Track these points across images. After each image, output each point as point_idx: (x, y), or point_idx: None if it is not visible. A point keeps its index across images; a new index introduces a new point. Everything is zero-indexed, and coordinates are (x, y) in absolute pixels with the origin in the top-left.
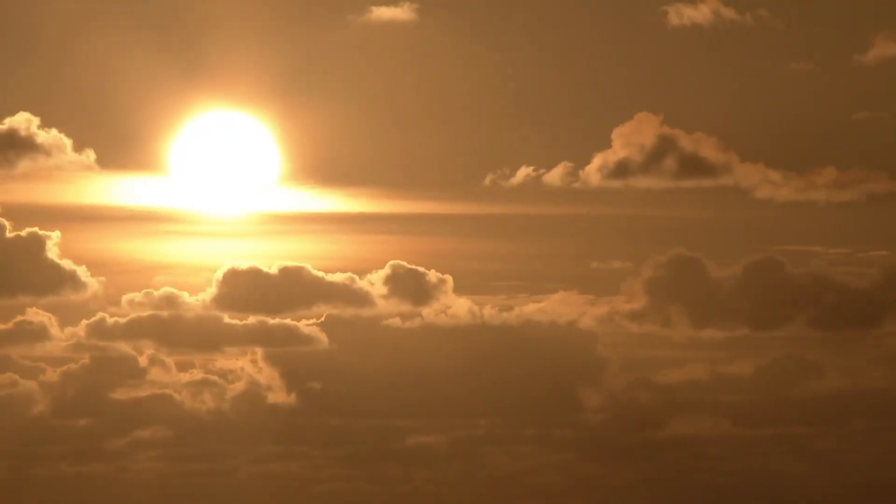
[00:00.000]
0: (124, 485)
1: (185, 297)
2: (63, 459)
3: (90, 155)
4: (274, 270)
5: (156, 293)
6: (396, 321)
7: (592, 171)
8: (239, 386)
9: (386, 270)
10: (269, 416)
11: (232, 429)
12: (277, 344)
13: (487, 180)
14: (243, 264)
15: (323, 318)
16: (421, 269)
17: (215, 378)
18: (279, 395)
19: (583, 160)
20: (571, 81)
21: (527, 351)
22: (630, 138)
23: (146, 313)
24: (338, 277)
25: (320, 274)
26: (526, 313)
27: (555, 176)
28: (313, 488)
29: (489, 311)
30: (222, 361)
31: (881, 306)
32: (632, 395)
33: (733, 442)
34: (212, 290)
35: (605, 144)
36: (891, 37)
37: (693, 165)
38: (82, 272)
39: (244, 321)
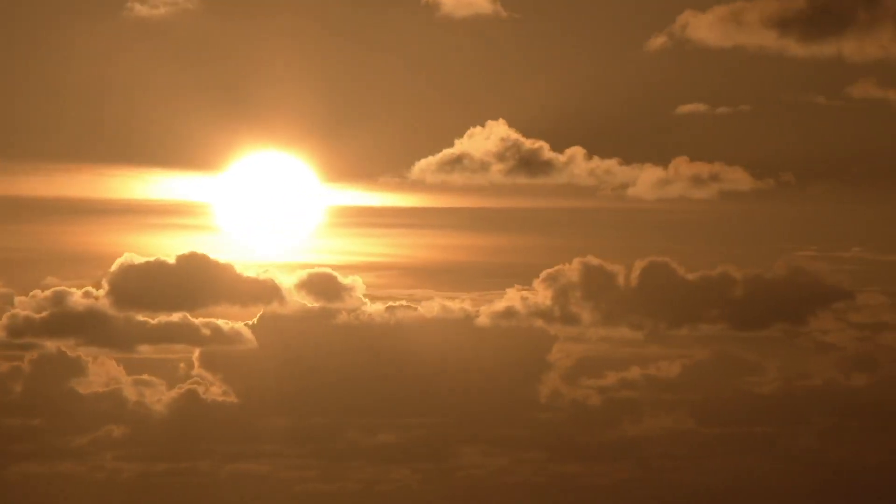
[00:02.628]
0: (97, 485)
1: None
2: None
3: None
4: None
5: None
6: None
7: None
8: (182, 384)
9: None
10: (218, 415)
11: (190, 427)
12: (203, 342)
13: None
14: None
15: (256, 319)
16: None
17: (151, 378)
18: (222, 394)
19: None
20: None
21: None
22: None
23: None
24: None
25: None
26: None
27: None
28: (293, 488)
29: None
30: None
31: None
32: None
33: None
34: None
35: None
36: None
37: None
38: None
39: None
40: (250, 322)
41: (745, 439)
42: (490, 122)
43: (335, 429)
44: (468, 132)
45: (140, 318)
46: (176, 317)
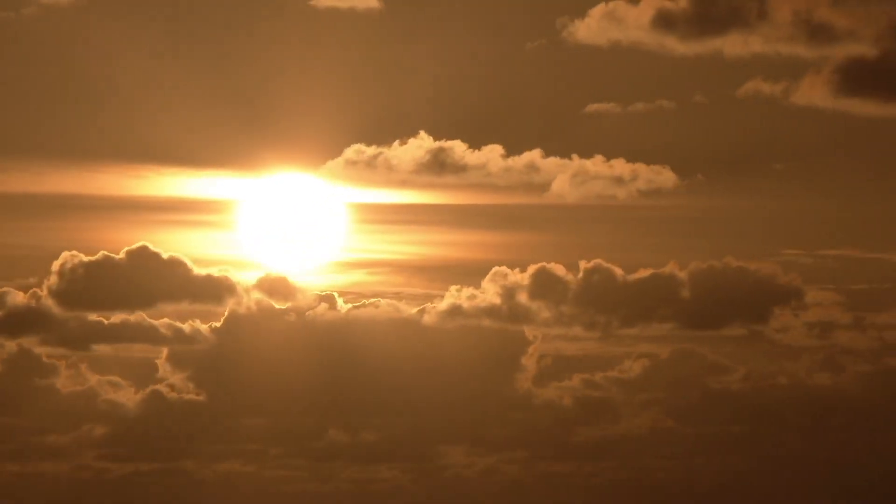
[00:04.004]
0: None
1: None
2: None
3: None
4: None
5: None
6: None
7: None
8: (152, 385)
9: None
10: (192, 414)
11: (169, 426)
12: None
13: None
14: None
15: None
16: None
17: (118, 379)
18: (192, 393)
19: None
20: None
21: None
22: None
23: None
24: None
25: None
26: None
27: None
28: (286, 488)
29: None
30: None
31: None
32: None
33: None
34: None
35: None
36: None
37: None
38: None
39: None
40: (215, 324)
41: (724, 439)
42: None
43: (315, 428)
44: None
45: (94, 317)
46: (135, 316)
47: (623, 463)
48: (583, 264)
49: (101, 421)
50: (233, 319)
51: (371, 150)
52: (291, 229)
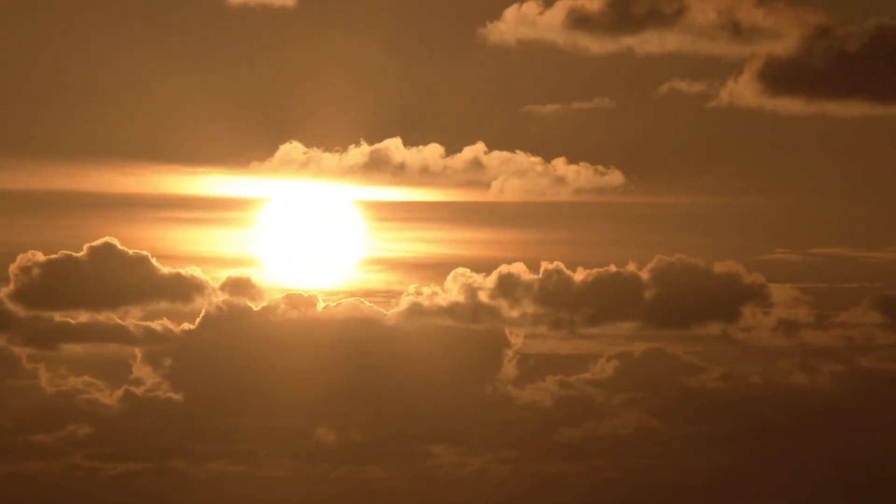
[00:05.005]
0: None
1: None
2: None
3: None
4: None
5: None
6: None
7: None
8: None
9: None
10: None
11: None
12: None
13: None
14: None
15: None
16: None
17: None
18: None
19: None
20: None
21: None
22: None
23: None
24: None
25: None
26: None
27: None
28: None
29: None
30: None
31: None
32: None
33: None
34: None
35: None
36: None
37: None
38: None
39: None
40: (189, 326)
41: (713, 438)
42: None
43: (303, 428)
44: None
45: (59, 317)
46: (102, 315)
47: (616, 463)
48: (544, 264)
49: (84, 421)
50: (208, 319)
51: (302, 149)
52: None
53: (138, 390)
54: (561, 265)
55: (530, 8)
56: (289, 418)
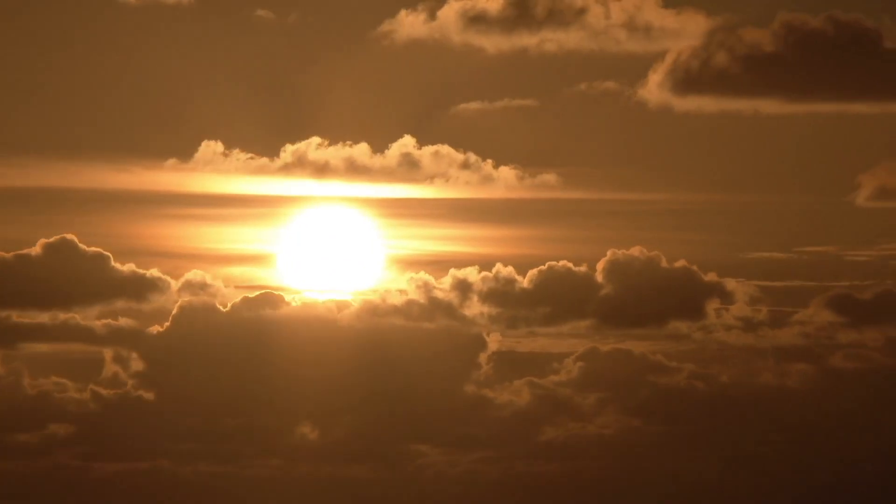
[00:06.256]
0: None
1: None
2: None
3: None
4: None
5: None
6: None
7: None
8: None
9: None
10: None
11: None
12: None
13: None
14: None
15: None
16: None
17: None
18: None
19: None
20: None
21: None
22: None
23: None
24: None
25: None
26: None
27: None
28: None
29: None
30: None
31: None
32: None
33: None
34: None
35: None
36: None
37: None
38: None
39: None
40: (158, 328)
41: (699, 437)
42: None
43: (285, 427)
44: None
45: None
46: (64, 314)
47: (605, 463)
48: (499, 266)
49: (62, 420)
50: (179, 317)
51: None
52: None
53: (107, 391)
54: (504, 266)
55: (426, 8)
56: (271, 417)
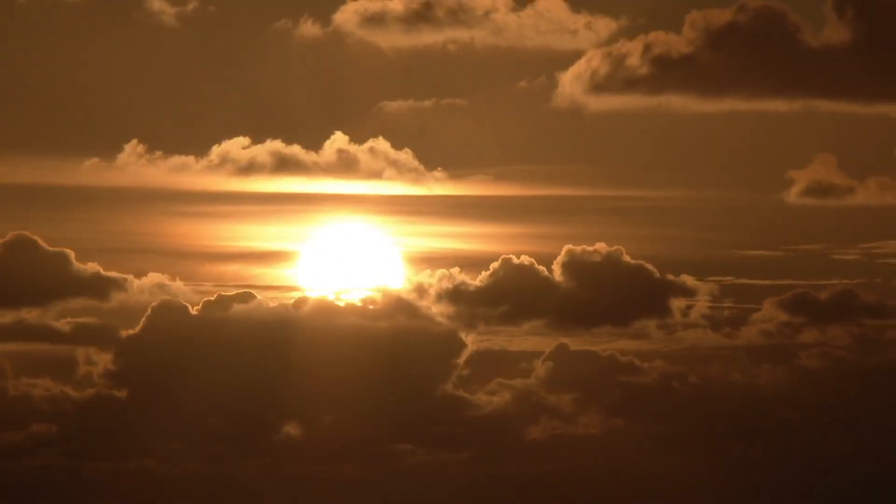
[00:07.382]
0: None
1: None
2: None
3: None
4: None
5: None
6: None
7: None
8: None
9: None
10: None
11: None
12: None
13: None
14: None
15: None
16: None
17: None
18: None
19: None
20: None
21: None
22: None
23: None
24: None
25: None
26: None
27: None
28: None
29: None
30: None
31: None
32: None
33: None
34: None
35: None
36: None
37: None
38: None
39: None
40: (131, 331)
41: (686, 437)
42: None
43: (268, 425)
44: None
45: None
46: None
47: (597, 462)
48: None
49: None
50: (153, 317)
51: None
52: None
53: (80, 391)
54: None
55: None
56: (255, 416)
